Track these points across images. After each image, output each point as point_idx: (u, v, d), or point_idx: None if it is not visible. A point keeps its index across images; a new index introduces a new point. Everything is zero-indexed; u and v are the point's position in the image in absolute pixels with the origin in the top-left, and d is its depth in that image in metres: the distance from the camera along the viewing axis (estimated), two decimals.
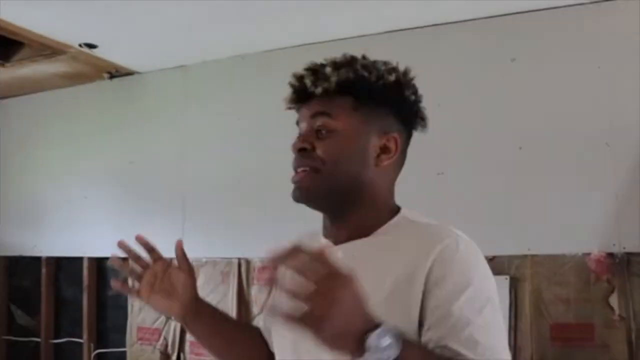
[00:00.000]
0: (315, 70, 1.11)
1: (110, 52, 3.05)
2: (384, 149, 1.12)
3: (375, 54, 2.72)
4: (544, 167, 2.44)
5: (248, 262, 2.95)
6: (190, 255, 3.06)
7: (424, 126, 1.18)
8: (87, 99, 3.50)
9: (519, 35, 2.53)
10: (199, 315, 1.25)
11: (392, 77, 1.12)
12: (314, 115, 1.11)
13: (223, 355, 1.34)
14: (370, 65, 1.12)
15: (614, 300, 2.30)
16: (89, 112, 3.48)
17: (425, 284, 0.98)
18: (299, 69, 1.15)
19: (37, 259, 3.58)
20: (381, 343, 0.80)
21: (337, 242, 1.13)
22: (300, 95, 1.14)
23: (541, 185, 2.43)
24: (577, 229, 2.37)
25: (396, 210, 1.15)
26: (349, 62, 1.12)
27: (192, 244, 3.06)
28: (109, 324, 3.40)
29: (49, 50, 2.95)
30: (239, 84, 3.07)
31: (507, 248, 2.42)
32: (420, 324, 0.98)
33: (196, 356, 3.01)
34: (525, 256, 2.43)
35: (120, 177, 3.33)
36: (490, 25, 2.57)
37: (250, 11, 2.53)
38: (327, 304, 0.78)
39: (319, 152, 1.09)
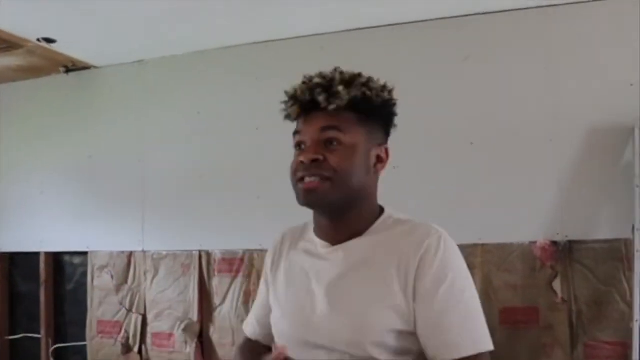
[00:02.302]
0: (327, 87, 1.19)
1: (68, 47, 3.04)
2: (379, 158, 1.25)
3: (333, 52, 2.83)
4: (493, 161, 2.59)
5: (208, 254, 3.01)
6: (151, 248, 3.12)
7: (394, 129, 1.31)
8: (42, 93, 3.47)
9: (471, 36, 2.66)
10: None
11: (386, 95, 1.23)
12: (324, 129, 1.18)
13: None
14: (370, 84, 1.22)
15: (557, 285, 2.48)
16: (45, 107, 3.46)
17: (415, 279, 1.13)
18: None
19: None
20: None
21: (334, 242, 1.24)
22: (307, 108, 1.21)
23: (490, 179, 2.58)
24: (524, 219, 2.54)
25: (381, 209, 1.28)
26: (354, 79, 1.21)
27: (152, 238, 3.15)
28: (68, 318, 3.39)
29: (4, 44, 2.92)
30: (198, 79, 3.11)
31: (459, 238, 2.53)
32: (414, 310, 1.13)
33: (158, 348, 3.05)
34: (476, 245, 2.58)
35: (78, 171, 3.32)
36: (444, 26, 2.69)
37: (209, 8, 2.57)
38: None
39: (330, 162, 1.16)
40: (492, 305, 2.53)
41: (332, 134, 1.18)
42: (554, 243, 2.49)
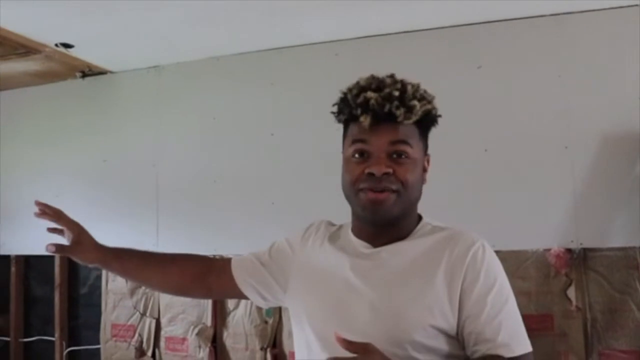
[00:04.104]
0: (402, 100, 1.20)
1: (85, 52, 3.07)
2: (424, 168, 1.30)
3: (348, 58, 2.84)
4: (508, 168, 2.60)
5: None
6: (165, 251, 3.12)
7: None
8: (58, 97, 3.50)
9: (485, 44, 2.67)
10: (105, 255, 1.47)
11: (431, 107, 1.26)
12: (395, 142, 1.20)
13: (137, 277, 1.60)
14: (425, 95, 1.25)
15: (571, 292, 2.48)
16: (61, 111, 3.48)
17: (462, 282, 1.18)
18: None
19: (6, 258, 3.57)
20: None
21: (376, 244, 1.28)
22: (378, 119, 1.20)
23: (505, 185, 2.59)
24: (539, 227, 2.54)
25: (419, 216, 1.33)
26: (416, 92, 1.23)
27: (166, 242, 3.16)
28: (82, 321, 3.41)
29: (23, 49, 2.95)
30: (213, 85, 3.13)
31: None
32: (459, 312, 1.18)
33: (171, 352, 3.07)
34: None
35: (93, 175, 3.35)
36: (458, 33, 2.71)
37: (224, 14, 2.59)
38: None
39: (399, 176, 1.20)
40: None
41: (402, 147, 1.21)
42: (569, 250, 2.48)
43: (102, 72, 3.37)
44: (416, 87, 1.24)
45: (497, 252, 2.46)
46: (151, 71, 3.28)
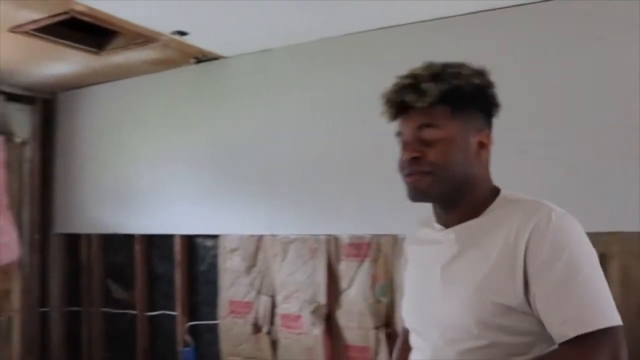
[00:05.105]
0: (414, 86, 1.24)
1: (198, 39, 3.17)
2: (481, 145, 1.29)
3: (456, 36, 2.74)
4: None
5: (336, 238, 3.05)
6: (279, 232, 3.23)
7: (499, 110, 1.33)
8: (174, 83, 3.64)
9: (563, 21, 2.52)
10: None
11: (477, 81, 1.26)
12: (419, 127, 1.25)
13: None
14: (458, 73, 1.25)
15: None
16: (177, 97, 3.63)
17: (526, 252, 1.15)
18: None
19: (131, 237, 3.80)
20: None
21: (448, 225, 1.31)
22: (399, 109, 1.28)
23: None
24: None
25: (496, 190, 1.31)
26: (441, 72, 1.24)
27: (280, 222, 3.24)
28: (201, 297, 3.57)
29: (142, 38, 3.09)
30: (324, 66, 3.14)
31: (593, 225, 2.42)
32: (526, 285, 1.15)
33: (286, 329, 3.15)
34: (614, 233, 2.44)
35: (208, 158, 3.47)
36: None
37: None
38: None
39: (429, 158, 1.24)
40: (629, 298, 2.39)
41: (427, 130, 1.25)
42: None
43: (214, 58, 3.46)
44: (439, 67, 1.25)
45: (620, 233, 2.40)
46: (262, 55, 3.33)
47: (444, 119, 1.24)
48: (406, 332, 1.49)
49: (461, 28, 2.75)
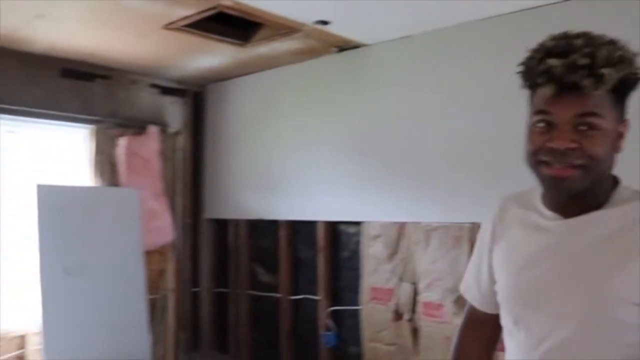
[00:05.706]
0: (590, 68, 1.06)
1: (340, 27, 3.20)
2: (620, 135, 1.16)
3: (580, 19, 2.56)
4: None
5: (480, 227, 2.96)
6: (422, 219, 3.19)
7: None
8: (317, 72, 3.71)
9: None
10: None
11: (630, 70, 1.10)
12: (583, 115, 1.09)
13: None
14: (624, 57, 1.09)
15: None
16: (320, 85, 3.70)
17: None
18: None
19: (276, 222, 3.93)
20: None
21: (567, 215, 1.19)
22: (562, 89, 1.09)
23: None
24: None
25: (614, 180, 1.21)
26: (612, 55, 1.07)
27: (423, 209, 3.20)
28: (343, 283, 3.63)
29: (285, 29, 3.17)
30: (464, 52, 3.05)
31: None
32: None
33: (428, 317, 3.12)
34: None
35: (351, 145, 3.50)
36: None
37: None
38: None
39: (586, 150, 1.09)
40: None
41: (591, 119, 1.09)
42: None
43: (356, 46, 3.48)
44: (612, 49, 1.07)
45: None
46: (403, 41, 3.30)
47: (608, 108, 1.09)
48: (475, 312, 1.44)
49: (585, 11, 2.56)
